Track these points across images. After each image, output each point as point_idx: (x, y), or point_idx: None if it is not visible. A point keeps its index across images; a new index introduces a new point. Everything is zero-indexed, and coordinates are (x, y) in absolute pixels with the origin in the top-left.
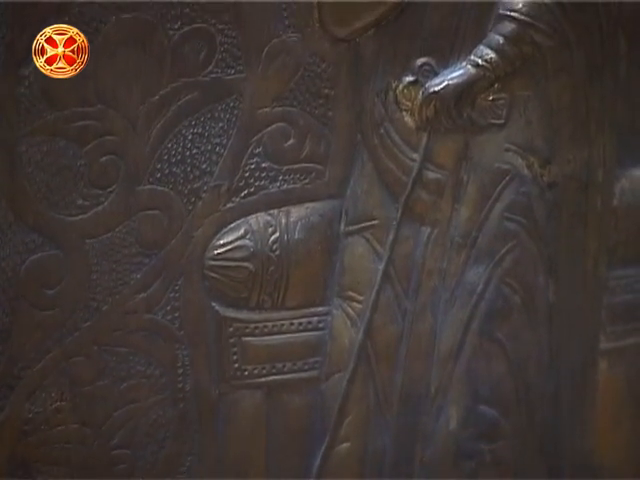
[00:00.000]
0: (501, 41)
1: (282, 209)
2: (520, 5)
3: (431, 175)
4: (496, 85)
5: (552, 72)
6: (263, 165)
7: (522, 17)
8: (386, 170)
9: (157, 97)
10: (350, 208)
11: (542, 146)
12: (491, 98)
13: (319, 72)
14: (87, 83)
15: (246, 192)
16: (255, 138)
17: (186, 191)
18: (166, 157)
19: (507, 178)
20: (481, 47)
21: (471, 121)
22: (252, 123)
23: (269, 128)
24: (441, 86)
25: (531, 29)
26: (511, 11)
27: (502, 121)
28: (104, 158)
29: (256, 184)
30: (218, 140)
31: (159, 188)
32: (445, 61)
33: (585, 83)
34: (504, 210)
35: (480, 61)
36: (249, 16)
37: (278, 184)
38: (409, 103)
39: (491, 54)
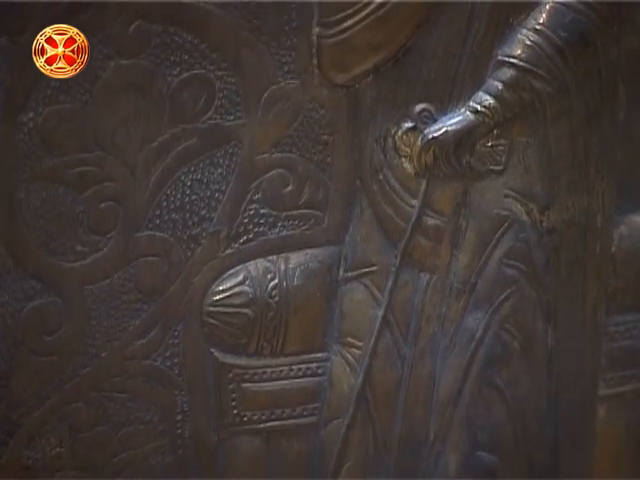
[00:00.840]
0: (500, 87)
1: (281, 255)
2: (519, 51)
3: (430, 221)
4: (495, 131)
5: (551, 118)
6: (262, 211)
7: (521, 63)
8: (385, 216)
9: (156, 143)
10: (349, 254)
11: (541, 192)
12: (490, 144)
13: (318, 118)
14: (86, 129)
15: (245, 238)
16: (254, 184)
17: (185, 237)
18: (165, 203)
19: (506, 224)
20: (480, 93)
21: (470, 167)
22: (251, 169)
23: (268, 174)
24: (440, 132)
25: (530, 75)
26: (510, 57)
27: (501, 167)
28: (103, 204)
29: (255, 230)
30: (217, 186)
31: (158, 234)
32: (444, 107)
33: (584, 129)
34: (503, 256)
35: (479, 107)
36: (248, 62)
37: (277, 230)
38: (408, 149)
39: (490, 100)
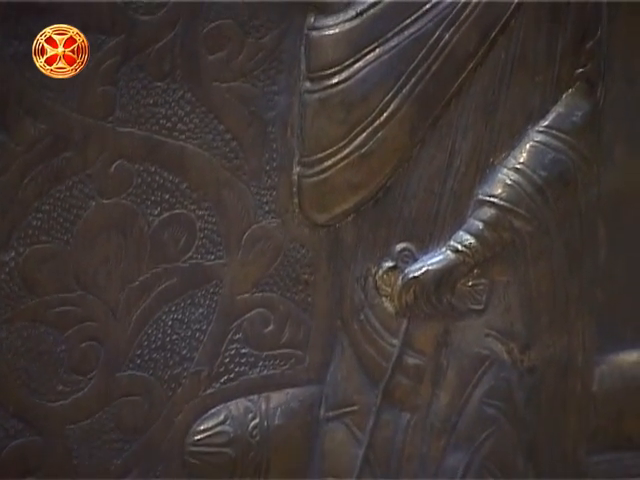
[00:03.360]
0: (480, 226)
1: (262, 395)
2: (499, 190)
3: (411, 360)
4: (476, 270)
5: (532, 258)
6: (243, 351)
7: (502, 202)
8: (366, 355)
9: (137, 283)
10: (330, 394)
11: (522, 331)
12: (471, 284)
13: (299, 257)
14: (67, 268)
15: (226, 378)
16: (235, 324)
17: (166, 377)
18: (146, 343)
19: (487, 363)
20: (461, 232)
21: (451, 307)
22: (232, 309)
23: (249, 314)
24: (421, 272)
25: (511, 214)
26: (490, 196)
27: (482, 307)
28: (84, 344)
29: (236, 370)
30: (198, 326)
31: (139, 374)
32: (424, 246)
33: (564, 269)
34: (483, 396)
35: (460, 246)
36: (229, 202)
37: (258, 370)
38: (389, 289)
39: (470, 239)
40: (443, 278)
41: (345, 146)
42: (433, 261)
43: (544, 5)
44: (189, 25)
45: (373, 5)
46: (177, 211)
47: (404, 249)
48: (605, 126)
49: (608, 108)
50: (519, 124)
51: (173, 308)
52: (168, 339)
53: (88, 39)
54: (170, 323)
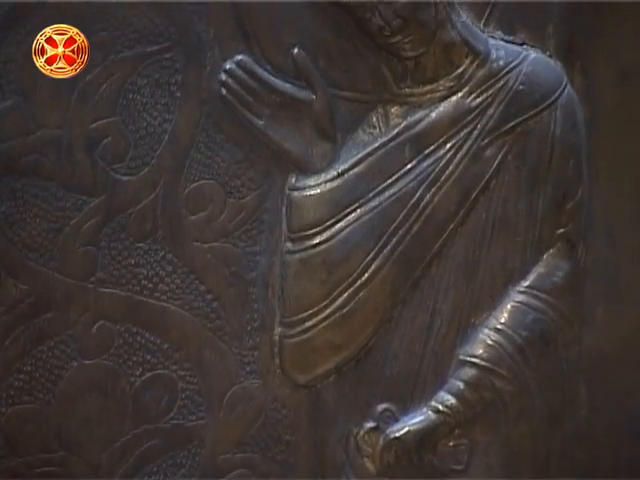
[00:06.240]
0: (461, 387)
1: None
2: (480, 350)
3: None
4: (457, 431)
5: (513, 417)
6: None
7: (483, 363)
8: None
9: (119, 443)
10: None
11: None
12: (452, 444)
13: (280, 418)
14: (49, 429)
15: None
16: None
17: None
18: None
19: None
20: (442, 393)
21: (432, 467)
22: (214, 469)
23: (231, 474)
24: (402, 432)
25: (492, 374)
26: (472, 357)
27: (463, 467)
28: None
29: None
30: None
31: None
32: (406, 407)
33: (545, 428)
34: None
35: (441, 407)
36: (211, 362)
37: None
38: (370, 449)
39: (452, 400)
40: (424, 438)
41: (326, 306)
42: (414, 421)
43: (525, 165)
44: (170, 185)
45: (355, 165)
46: (159, 371)
47: (385, 409)
48: (586, 286)
49: (589, 268)
50: (500, 284)
51: (155, 469)
52: None
53: (69, 199)
54: None
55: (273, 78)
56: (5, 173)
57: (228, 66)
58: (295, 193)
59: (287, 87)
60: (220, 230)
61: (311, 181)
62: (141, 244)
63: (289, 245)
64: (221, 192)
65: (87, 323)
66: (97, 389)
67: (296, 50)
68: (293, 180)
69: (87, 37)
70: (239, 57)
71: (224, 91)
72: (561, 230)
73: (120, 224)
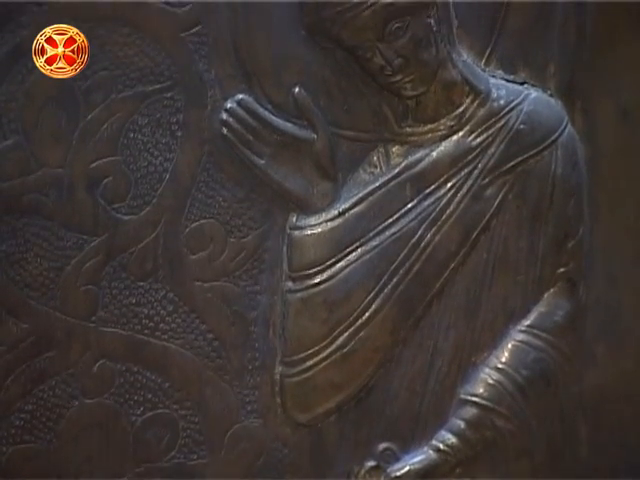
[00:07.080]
0: (462, 425)
1: None
2: (481, 390)
3: None
4: (457, 469)
5: (513, 456)
6: None
7: (483, 402)
8: None
9: None
10: None
11: None
12: None
13: (281, 457)
14: (50, 468)
15: None
16: None
17: None
18: None
19: None
20: (442, 432)
21: None
22: None
23: None
24: (403, 471)
25: (492, 414)
26: (472, 395)
27: None
28: None
29: None
30: None
31: None
32: (407, 446)
33: (546, 466)
34: None
35: (442, 446)
36: (212, 401)
37: None
38: None
39: (452, 439)
40: (425, 477)
41: (327, 345)
42: (415, 460)
43: (526, 204)
44: (171, 225)
45: (356, 204)
46: (160, 411)
47: (386, 449)
48: (587, 325)
49: (590, 307)
50: (500, 323)
51: None
52: None
53: (70, 239)
54: None
55: (274, 117)
56: (6, 212)
57: (229, 105)
58: (296, 232)
59: (288, 126)
60: (221, 269)
61: (312, 220)
62: (142, 283)
63: (290, 284)
64: (222, 231)
65: (88, 362)
66: (98, 428)
67: (297, 89)
68: (294, 219)
69: (88, 76)
70: (240, 96)
71: (225, 130)
72: (562, 269)
73: (121, 263)
